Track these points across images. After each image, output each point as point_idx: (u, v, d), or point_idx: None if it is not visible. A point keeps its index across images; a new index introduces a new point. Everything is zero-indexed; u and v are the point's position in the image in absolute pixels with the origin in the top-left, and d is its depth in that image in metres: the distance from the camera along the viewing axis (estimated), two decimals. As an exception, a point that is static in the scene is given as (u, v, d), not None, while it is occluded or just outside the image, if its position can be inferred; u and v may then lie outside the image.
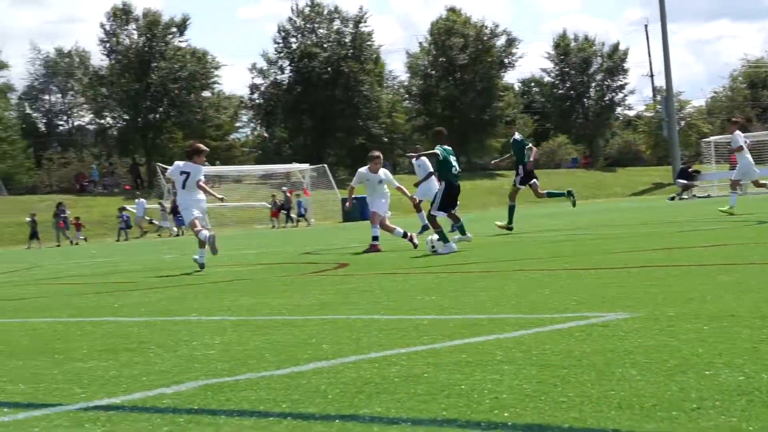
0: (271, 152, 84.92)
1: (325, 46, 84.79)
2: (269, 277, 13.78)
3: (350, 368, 5.53)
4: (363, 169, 19.82)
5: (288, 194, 58.09)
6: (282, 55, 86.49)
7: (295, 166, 67.20)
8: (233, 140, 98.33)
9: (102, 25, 79.78)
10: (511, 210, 23.00)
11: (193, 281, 14.01)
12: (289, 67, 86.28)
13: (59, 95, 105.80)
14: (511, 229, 22.54)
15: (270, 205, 59.01)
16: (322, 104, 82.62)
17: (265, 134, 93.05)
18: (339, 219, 58.05)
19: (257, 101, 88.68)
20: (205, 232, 16.37)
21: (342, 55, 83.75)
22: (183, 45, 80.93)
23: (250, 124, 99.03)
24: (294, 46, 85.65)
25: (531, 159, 23.27)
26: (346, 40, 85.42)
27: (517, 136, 23.45)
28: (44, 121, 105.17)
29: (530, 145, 23.52)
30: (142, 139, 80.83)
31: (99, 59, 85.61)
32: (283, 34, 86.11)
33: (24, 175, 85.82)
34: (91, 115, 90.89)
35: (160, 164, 62.29)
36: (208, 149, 17.58)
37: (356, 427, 4.09)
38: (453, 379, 4.99)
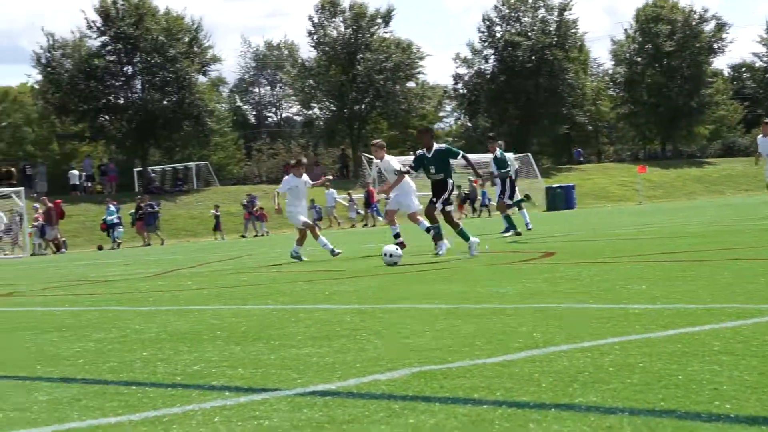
0: (474, 142, 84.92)
1: (529, 34, 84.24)
2: (476, 266, 13.80)
3: (562, 357, 5.49)
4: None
5: (474, 184, 57.90)
6: (486, 44, 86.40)
7: (499, 156, 66.96)
8: (437, 130, 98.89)
9: (310, 18, 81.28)
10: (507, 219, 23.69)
11: (399, 270, 14.15)
12: (493, 57, 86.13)
13: (268, 87, 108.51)
14: (519, 234, 22.98)
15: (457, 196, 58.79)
16: (525, 93, 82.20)
17: (469, 124, 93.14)
18: (543, 208, 57.67)
19: (461, 91, 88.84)
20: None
21: (546, 43, 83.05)
22: (388, 36, 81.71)
23: (453, 114, 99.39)
24: (498, 35, 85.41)
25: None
26: (551, 28, 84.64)
27: (498, 152, 24.43)
28: (254, 113, 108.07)
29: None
30: (348, 130, 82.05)
31: (307, 51, 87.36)
32: (487, 23, 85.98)
33: (235, 166, 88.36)
34: (299, 107, 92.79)
35: (366, 154, 63.06)
36: (305, 162, 19.87)
37: (572, 417, 4.06)
38: (669, 369, 4.90)
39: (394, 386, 5.00)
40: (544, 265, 13.04)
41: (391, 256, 15.39)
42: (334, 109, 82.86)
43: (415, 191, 19.52)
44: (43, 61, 71.66)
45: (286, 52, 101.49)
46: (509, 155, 25.48)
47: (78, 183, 65.26)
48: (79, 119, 72.06)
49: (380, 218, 53.72)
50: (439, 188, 16.62)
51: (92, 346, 7.54)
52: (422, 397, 4.69)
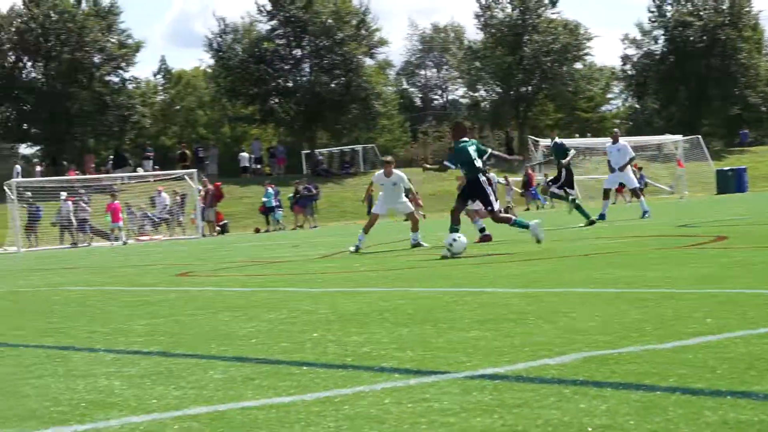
0: (642, 124, 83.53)
1: (701, 13, 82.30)
2: (643, 250, 13.59)
3: (738, 343, 5.37)
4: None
5: (633, 168, 56.80)
6: (656, 24, 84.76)
7: (668, 138, 65.75)
8: (604, 112, 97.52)
9: (478, 0, 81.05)
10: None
11: (565, 253, 14.03)
12: (662, 37, 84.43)
13: (434, 70, 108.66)
14: (593, 222, 22.72)
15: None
16: (696, 74, 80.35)
17: (637, 105, 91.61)
18: (713, 191, 56.37)
19: (629, 72, 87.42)
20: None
21: (719, 22, 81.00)
22: (555, 17, 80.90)
23: (621, 96, 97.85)
24: (669, 14, 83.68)
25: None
26: (724, 7, 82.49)
27: (558, 140, 24.75)
28: (420, 95, 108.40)
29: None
30: (514, 112, 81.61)
31: (473, 33, 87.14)
32: (657, 2, 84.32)
33: (401, 149, 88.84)
34: (465, 89, 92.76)
35: (532, 137, 62.64)
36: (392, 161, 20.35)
37: (749, 405, 3.98)
38: None
39: (564, 371, 4.98)
40: (715, 250, 12.76)
41: (450, 246, 14.66)
42: (500, 91, 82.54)
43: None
44: (215, 45, 73.31)
45: (452, 34, 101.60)
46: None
47: (248, 165, 66.58)
48: (250, 102, 73.51)
49: (543, 201, 53.44)
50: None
51: (264, 326, 7.70)
52: (593, 382, 4.65)
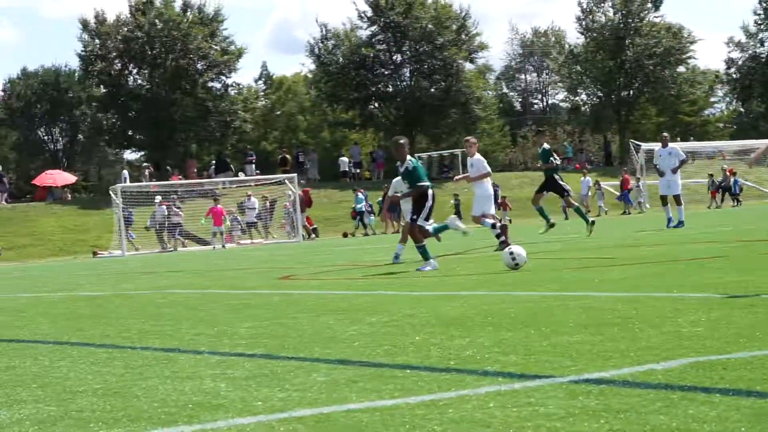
0: (747, 127, 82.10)
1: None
2: (750, 254, 13.34)
3: None
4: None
5: (728, 173, 55.83)
6: (762, 27, 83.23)
7: (774, 141, 64.58)
8: (708, 116, 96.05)
9: (579, 4, 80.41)
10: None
11: (669, 257, 13.84)
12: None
13: (534, 74, 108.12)
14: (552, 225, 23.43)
15: (708, 184, 56.79)
16: (803, 77, 78.85)
17: (741, 109, 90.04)
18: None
19: (733, 75, 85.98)
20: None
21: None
22: (658, 20, 79.91)
23: (725, 99, 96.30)
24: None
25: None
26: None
27: (546, 146, 24.81)
28: (519, 99, 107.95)
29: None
30: (615, 116, 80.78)
31: (574, 38, 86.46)
32: (764, 5, 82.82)
33: (500, 153, 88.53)
34: (565, 93, 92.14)
35: (633, 141, 61.95)
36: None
37: None
38: None
39: (671, 376, 4.90)
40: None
41: (513, 258, 13.68)
42: (600, 95, 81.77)
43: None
44: (316, 51, 73.84)
45: (553, 38, 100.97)
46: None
47: (347, 170, 66.88)
48: (350, 107, 73.92)
49: (632, 205, 52.91)
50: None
51: (366, 329, 7.72)
52: (701, 387, 4.58)
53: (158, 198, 46.63)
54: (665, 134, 28.19)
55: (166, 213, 45.54)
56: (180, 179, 56.46)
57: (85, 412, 4.98)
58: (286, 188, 49.93)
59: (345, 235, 48.83)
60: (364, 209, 49.62)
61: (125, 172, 62.41)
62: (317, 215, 52.40)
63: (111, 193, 46.18)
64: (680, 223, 25.07)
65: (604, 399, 4.49)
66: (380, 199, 50.17)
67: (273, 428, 4.39)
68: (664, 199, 26.37)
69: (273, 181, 52.17)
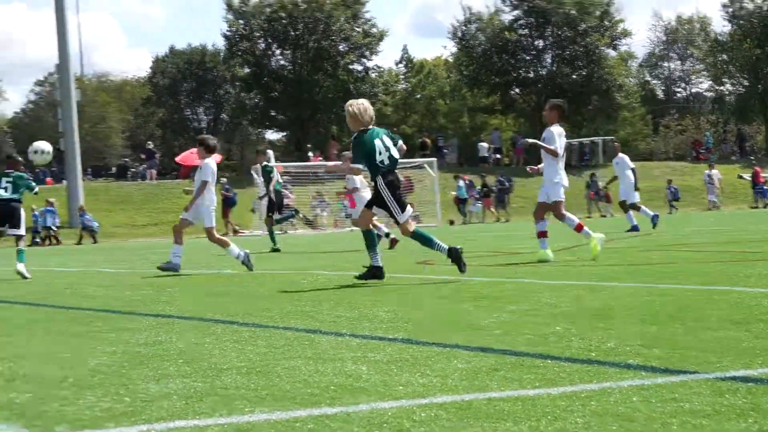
0: None
1: None
2: None
3: None
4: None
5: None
6: None
7: None
8: None
9: (728, -10, 78.70)
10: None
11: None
12: None
13: (678, 62, 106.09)
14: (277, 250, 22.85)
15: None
16: None
17: None
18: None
19: None
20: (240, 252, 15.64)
21: None
22: (809, 7, 77.67)
23: None
24: None
25: None
26: None
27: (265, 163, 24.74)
28: (662, 88, 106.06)
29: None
30: (761, 106, 78.79)
31: (720, 25, 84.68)
32: None
33: (641, 142, 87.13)
34: (710, 82, 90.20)
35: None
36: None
37: None
38: None
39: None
40: None
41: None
42: (747, 84, 79.85)
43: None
44: (459, 34, 73.73)
45: (697, 25, 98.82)
46: None
47: (486, 155, 66.68)
48: (490, 92, 73.67)
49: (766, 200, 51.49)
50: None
51: (507, 317, 7.69)
52: None
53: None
54: (616, 143, 27.19)
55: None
56: (320, 160, 57.00)
57: (230, 390, 5.08)
58: (426, 172, 50.01)
59: (451, 222, 48.69)
60: (466, 196, 49.61)
61: (270, 151, 63.28)
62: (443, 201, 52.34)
63: (252, 172, 46.85)
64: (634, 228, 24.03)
65: (752, 398, 4.40)
66: (478, 188, 50.13)
67: (414, 413, 4.41)
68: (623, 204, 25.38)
69: (412, 165, 52.30)
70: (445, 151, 66.04)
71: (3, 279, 16.37)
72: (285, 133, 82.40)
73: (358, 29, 74.27)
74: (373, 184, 12.01)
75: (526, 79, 73.26)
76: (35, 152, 17.55)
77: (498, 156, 67.91)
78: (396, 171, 12.02)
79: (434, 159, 52.02)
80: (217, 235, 15.76)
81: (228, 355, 6.24)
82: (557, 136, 15.03)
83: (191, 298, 10.67)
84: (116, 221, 48.31)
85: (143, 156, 66.74)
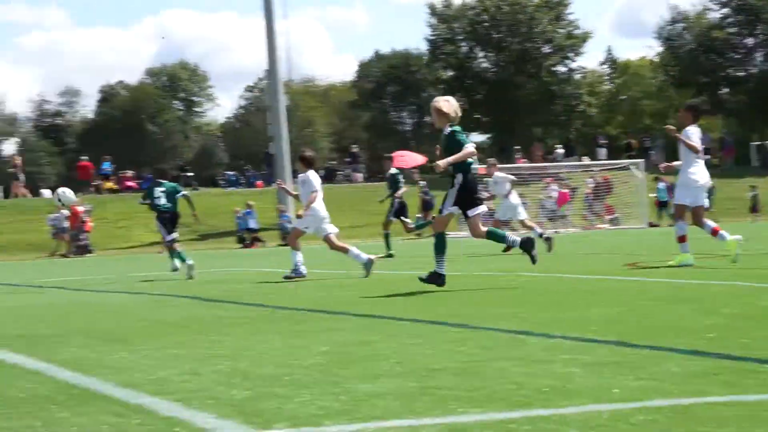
0: None
1: None
2: None
3: None
4: None
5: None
6: None
7: None
8: None
9: None
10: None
11: None
12: None
13: None
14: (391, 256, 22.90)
15: None
16: None
17: None
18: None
19: None
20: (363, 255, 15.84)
21: None
22: None
23: None
24: None
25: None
26: None
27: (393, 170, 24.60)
28: None
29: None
30: None
31: None
32: None
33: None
34: None
35: None
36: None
37: None
38: None
39: None
40: None
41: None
42: None
43: None
44: (665, 34, 72.31)
45: None
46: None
47: (694, 156, 64.99)
48: (698, 92, 71.93)
49: None
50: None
51: (721, 320, 7.50)
52: None
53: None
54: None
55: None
56: (525, 162, 56.80)
57: (443, 390, 5.10)
58: (630, 174, 49.21)
59: (651, 225, 47.49)
60: (666, 199, 48.29)
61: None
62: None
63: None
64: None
65: None
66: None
67: (630, 416, 4.34)
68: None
69: (617, 166, 51.55)
70: (651, 152, 64.77)
71: (219, 280, 16.91)
72: (489, 136, 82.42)
73: (561, 30, 73.71)
74: (453, 179, 12.00)
75: (735, 79, 71.23)
76: (59, 199, 18.94)
77: (707, 156, 66.11)
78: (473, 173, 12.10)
79: (641, 160, 51.08)
80: (338, 243, 15.99)
81: (439, 356, 6.27)
82: (694, 135, 14.68)
83: (402, 300, 10.77)
84: (322, 223, 49.13)
85: (348, 159, 67.81)
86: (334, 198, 55.56)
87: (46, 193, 58.59)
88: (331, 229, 15.92)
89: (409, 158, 62.14)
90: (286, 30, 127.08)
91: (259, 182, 60.95)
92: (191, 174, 68.42)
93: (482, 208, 11.99)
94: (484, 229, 11.93)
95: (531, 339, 6.97)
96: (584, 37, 74.79)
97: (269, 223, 47.38)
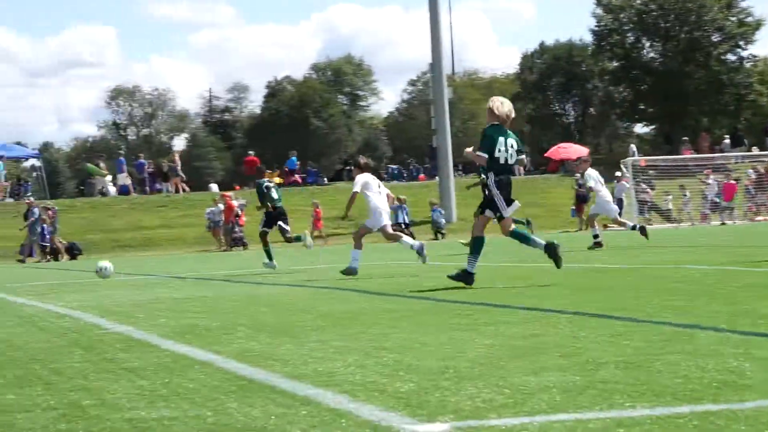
0: None
1: None
2: None
3: None
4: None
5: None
6: None
7: None
8: None
9: None
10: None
11: None
12: None
13: None
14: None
15: None
16: None
17: None
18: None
19: None
20: (416, 243, 16.97)
21: None
22: None
23: None
24: None
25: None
26: None
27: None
28: None
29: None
30: None
31: None
32: None
33: None
34: None
35: None
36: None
37: None
38: None
39: None
40: None
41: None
42: None
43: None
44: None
45: None
46: None
47: None
48: None
49: None
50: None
51: None
52: None
53: (619, 173, 46.89)
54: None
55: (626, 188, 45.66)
56: (692, 153, 55.66)
57: (609, 384, 5.04)
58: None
59: None
60: None
61: (632, 146, 62.44)
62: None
63: (621, 166, 46.47)
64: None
65: None
66: None
67: (804, 414, 4.22)
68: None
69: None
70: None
71: (381, 274, 17.06)
72: (653, 126, 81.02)
73: (732, 18, 71.91)
74: (484, 178, 12.13)
75: None
76: (99, 271, 19.32)
77: None
78: (511, 172, 12.18)
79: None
80: (391, 232, 16.91)
81: (605, 349, 6.19)
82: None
83: (563, 293, 10.69)
84: (483, 217, 48.92)
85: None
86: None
87: (214, 187, 60.11)
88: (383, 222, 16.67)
89: (573, 150, 61.92)
90: (451, 22, 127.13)
91: (421, 176, 61.18)
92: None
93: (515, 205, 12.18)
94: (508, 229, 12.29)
95: (698, 333, 6.83)
96: (757, 25, 72.78)
97: (426, 216, 47.46)
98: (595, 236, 22.17)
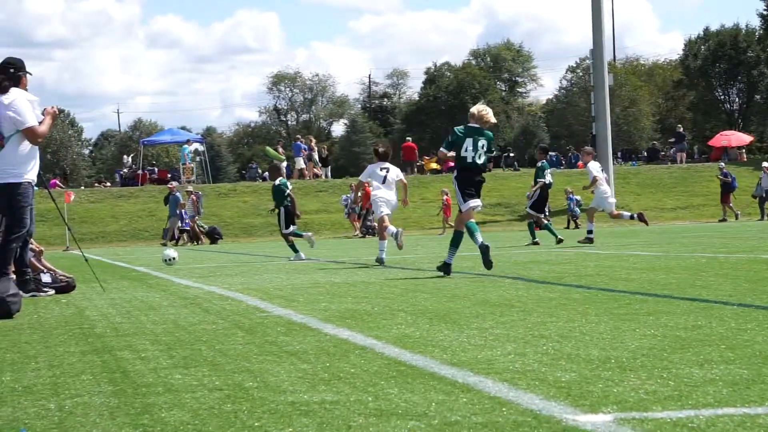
0: None
1: None
2: None
3: None
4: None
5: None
6: None
7: None
8: None
9: None
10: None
11: None
12: None
13: None
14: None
15: None
16: None
17: None
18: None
19: None
20: (393, 228, 17.19)
21: None
22: None
23: None
24: None
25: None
26: None
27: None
28: None
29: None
30: None
31: None
32: None
33: None
34: None
35: None
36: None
37: None
38: None
39: None
40: None
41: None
42: None
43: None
44: None
45: None
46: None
47: None
48: None
49: None
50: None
51: None
52: None
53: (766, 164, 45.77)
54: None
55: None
56: None
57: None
58: None
59: None
60: None
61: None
62: None
63: None
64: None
65: None
66: None
67: None
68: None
69: None
70: None
71: (537, 261, 16.95)
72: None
73: None
74: None
75: None
76: (166, 260, 19.83)
77: None
78: (477, 171, 13.12)
79: None
80: (385, 223, 17.29)
81: (772, 343, 6.04)
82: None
83: (728, 283, 10.43)
84: (644, 205, 48.16)
85: (672, 139, 66.30)
86: (656, 179, 54.64)
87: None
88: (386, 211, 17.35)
89: (734, 138, 60.52)
90: (612, 8, 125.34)
91: (580, 163, 60.48)
92: (512, 155, 68.79)
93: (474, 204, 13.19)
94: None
95: None
96: None
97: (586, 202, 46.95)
98: (589, 231, 22.39)
